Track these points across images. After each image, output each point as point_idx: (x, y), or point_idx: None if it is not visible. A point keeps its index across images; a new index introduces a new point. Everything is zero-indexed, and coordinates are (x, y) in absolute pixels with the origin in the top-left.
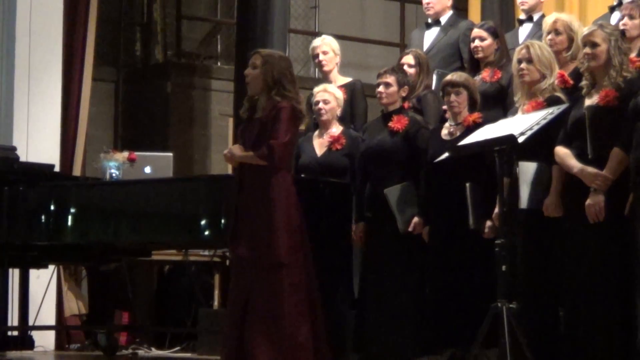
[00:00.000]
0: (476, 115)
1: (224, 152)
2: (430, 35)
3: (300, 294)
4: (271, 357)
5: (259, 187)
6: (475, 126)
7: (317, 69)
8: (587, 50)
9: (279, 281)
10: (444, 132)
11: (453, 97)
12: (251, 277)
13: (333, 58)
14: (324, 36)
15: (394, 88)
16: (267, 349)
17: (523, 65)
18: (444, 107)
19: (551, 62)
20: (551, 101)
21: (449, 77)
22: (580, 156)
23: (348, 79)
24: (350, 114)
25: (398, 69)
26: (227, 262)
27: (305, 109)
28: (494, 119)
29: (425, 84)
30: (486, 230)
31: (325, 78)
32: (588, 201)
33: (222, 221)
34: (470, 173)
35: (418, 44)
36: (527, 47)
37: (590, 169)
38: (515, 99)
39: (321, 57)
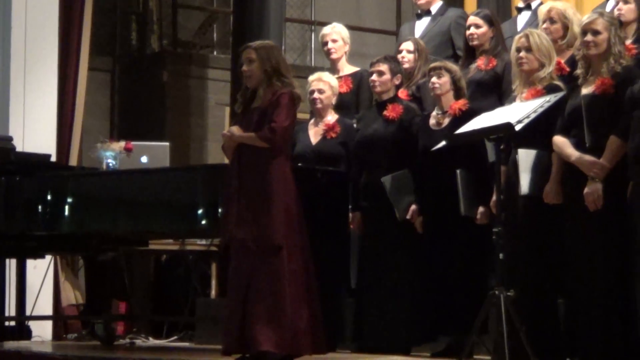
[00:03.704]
0: (462, 103)
1: (223, 132)
2: (421, 25)
3: (299, 280)
4: (273, 342)
5: (256, 173)
6: (462, 113)
7: (314, 57)
8: (589, 37)
9: (279, 267)
10: (432, 122)
11: (434, 79)
12: (252, 262)
13: (342, 47)
14: (334, 24)
15: (387, 76)
16: (269, 335)
17: (522, 54)
18: None
19: (550, 51)
20: (550, 89)
21: (431, 64)
22: (578, 145)
23: (355, 68)
24: (355, 103)
25: (391, 58)
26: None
27: (302, 94)
28: (488, 107)
29: (424, 72)
30: (478, 216)
31: (332, 66)
32: (586, 190)
33: (219, 210)
34: (462, 160)
35: (409, 35)
36: (527, 36)
37: (588, 157)
38: (513, 87)
39: (330, 45)
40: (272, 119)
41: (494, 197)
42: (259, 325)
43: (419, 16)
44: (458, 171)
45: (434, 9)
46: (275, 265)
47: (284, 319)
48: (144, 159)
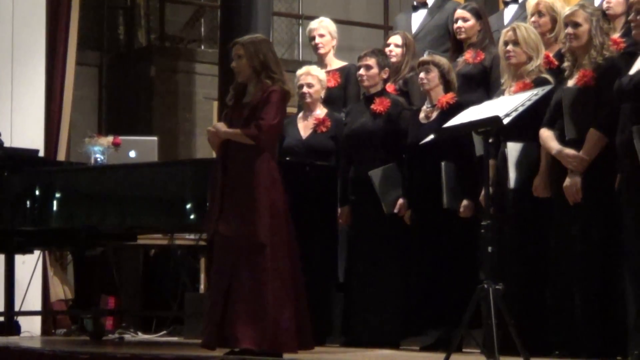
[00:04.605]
0: (450, 96)
1: (208, 127)
2: (418, 18)
3: (284, 277)
4: (254, 340)
5: (242, 169)
6: (450, 107)
7: (302, 51)
8: (570, 30)
9: (262, 264)
10: (422, 115)
11: (422, 74)
12: (235, 259)
13: (330, 41)
14: (321, 18)
15: (374, 70)
16: (249, 332)
17: (510, 47)
18: None
19: (537, 44)
20: (538, 82)
21: (420, 59)
22: (562, 137)
23: (343, 63)
24: (343, 98)
25: (378, 51)
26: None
27: (292, 89)
28: (476, 101)
29: (411, 66)
30: (462, 209)
31: (320, 61)
32: (565, 182)
33: (208, 204)
34: (449, 154)
35: (405, 27)
36: (514, 29)
37: (568, 151)
38: (502, 80)
39: (317, 39)
40: (260, 116)
41: (483, 191)
42: (239, 323)
43: (415, 8)
44: (443, 163)
45: (430, 1)
46: (259, 263)
47: (265, 317)
48: (132, 154)
